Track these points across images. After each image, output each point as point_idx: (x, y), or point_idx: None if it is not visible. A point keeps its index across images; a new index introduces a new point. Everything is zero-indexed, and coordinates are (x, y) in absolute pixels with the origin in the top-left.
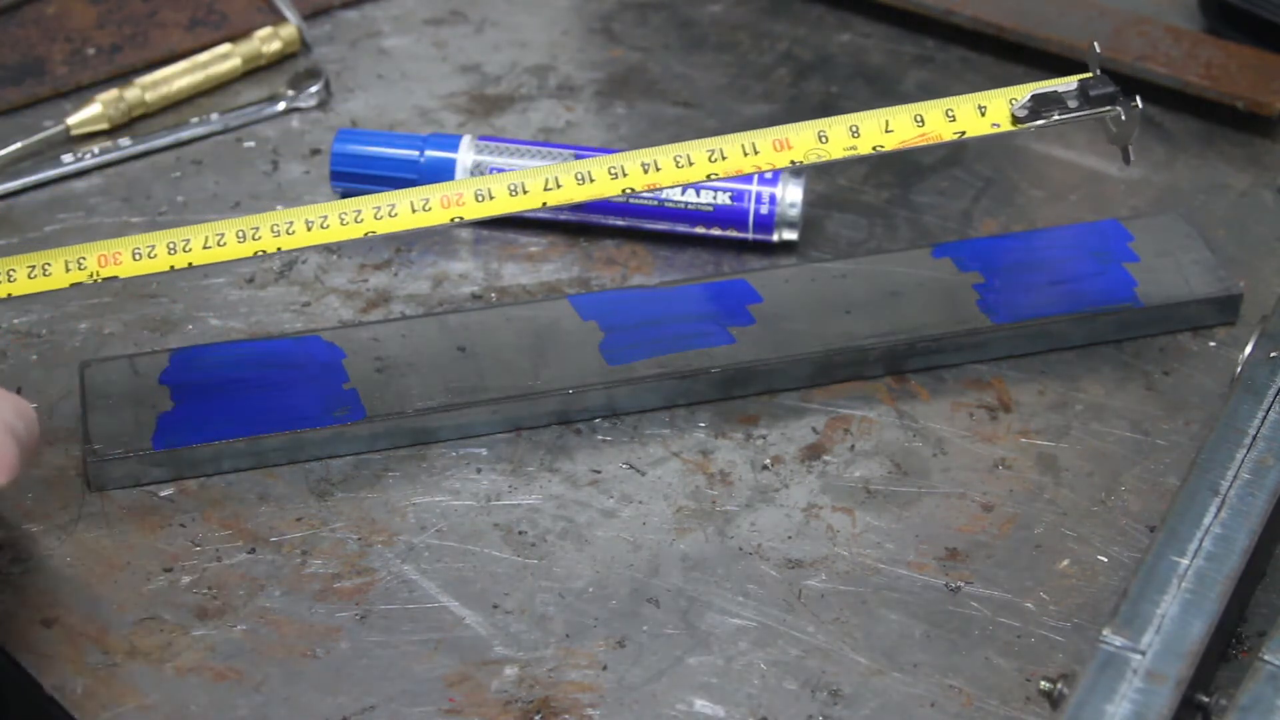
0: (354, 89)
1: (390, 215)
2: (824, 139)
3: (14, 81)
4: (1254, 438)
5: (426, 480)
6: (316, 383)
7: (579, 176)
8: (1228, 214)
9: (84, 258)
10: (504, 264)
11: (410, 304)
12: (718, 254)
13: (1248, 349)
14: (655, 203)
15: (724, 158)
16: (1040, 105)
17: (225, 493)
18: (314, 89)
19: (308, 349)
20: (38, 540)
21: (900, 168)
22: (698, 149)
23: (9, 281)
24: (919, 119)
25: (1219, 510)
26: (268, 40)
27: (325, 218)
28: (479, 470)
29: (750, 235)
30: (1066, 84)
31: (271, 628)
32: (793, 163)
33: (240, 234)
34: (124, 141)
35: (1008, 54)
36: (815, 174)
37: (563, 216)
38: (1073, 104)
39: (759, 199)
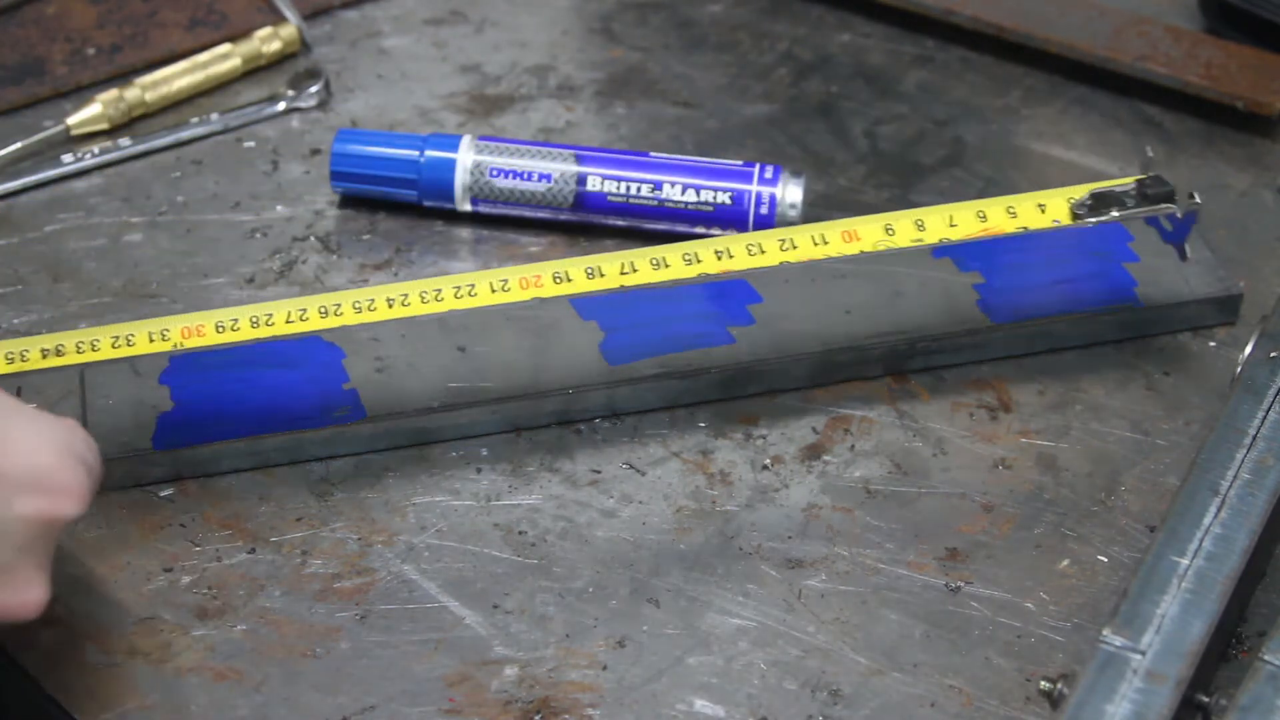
0: (354, 89)
1: (470, 294)
2: (891, 232)
3: (14, 81)
4: (1254, 438)
5: (426, 480)
6: (316, 383)
7: (654, 262)
8: (1228, 214)
9: (167, 329)
10: (504, 264)
11: None
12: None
13: (1248, 349)
14: (655, 203)
15: (794, 247)
16: (1099, 203)
17: (225, 493)
18: (314, 89)
19: (308, 349)
20: None
21: (900, 168)
22: (769, 239)
23: (92, 351)
24: (981, 215)
25: (1219, 510)
26: (268, 40)
27: (405, 295)
28: (479, 470)
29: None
30: (1124, 184)
31: (271, 628)
32: (861, 252)
33: (322, 310)
34: (124, 141)
35: (1008, 54)
36: (815, 174)
37: (563, 217)
38: (1130, 202)
39: (759, 199)
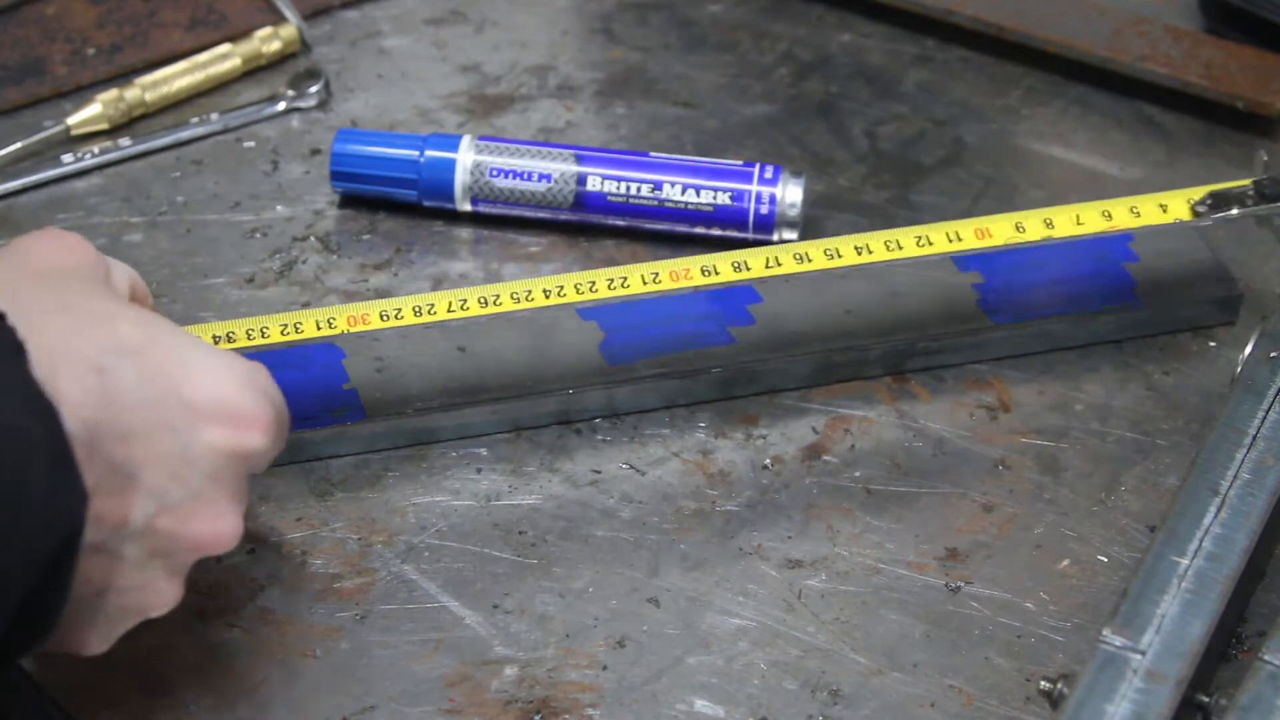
0: (354, 89)
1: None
2: (1021, 229)
3: (14, 81)
4: (1254, 438)
5: (426, 480)
6: (316, 383)
7: (797, 256)
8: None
9: (334, 318)
10: (504, 264)
11: None
12: (718, 254)
13: (1248, 349)
14: (655, 203)
15: (930, 243)
16: (1218, 201)
17: None
18: (314, 89)
19: (308, 349)
20: None
21: (900, 168)
22: (906, 235)
23: (262, 337)
24: (1106, 214)
25: (1219, 510)
26: (268, 40)
27: (561, 287)
28: (479, 470)
29: (750, 235)
30: (1242, 185)
31: (271, 628)
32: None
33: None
34: (124, 141)
35: (1008, 54)
36: (815, 174)
37: (563, 217)
38: (1249, 200)
39: (759, 199)
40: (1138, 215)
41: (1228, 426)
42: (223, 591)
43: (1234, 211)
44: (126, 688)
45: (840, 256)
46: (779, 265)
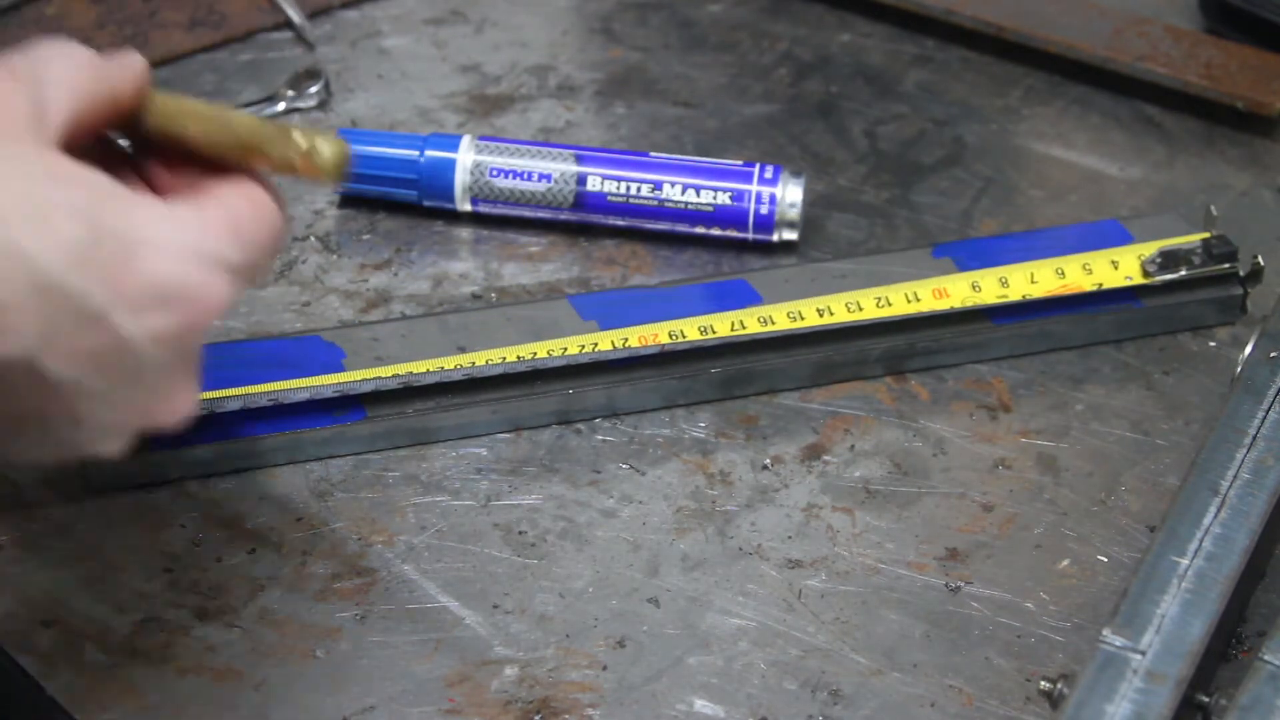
0: (354, 89)
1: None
2: (977, 289)
3: None
4: (1254, 438)
5: (426, 480)
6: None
7: (761, 319)
8: (1228, 214)
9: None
10: (504, 264)
11: (410, 304)
12: (718, 254)
13: (1248, 349)
14: (655, 203)
15: (889, 304)
16: (1168, 260)
17: (225, 493)
18: (314, 89)
19: (308, 349)
20: (38, 540)
21: (900, 168)
22: (866, 296)
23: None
24: (1060, 271)
25: (1219, 510)
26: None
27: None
28: (479, 470)
29: (750, 235)
30: (1190, 243)
31: (271, 628)
32: (951, 309)
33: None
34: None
35: (1008, 54)
36: (815, 174)
37: (563, 217)
38: (1196, 259)
39: (759, 199)
40: (1090, 272)
41: (1228, 426)
42: (223, 591)
43: (1181, 271)
44: (126, 688)
45: (803, 319)
46: (744, 328)
